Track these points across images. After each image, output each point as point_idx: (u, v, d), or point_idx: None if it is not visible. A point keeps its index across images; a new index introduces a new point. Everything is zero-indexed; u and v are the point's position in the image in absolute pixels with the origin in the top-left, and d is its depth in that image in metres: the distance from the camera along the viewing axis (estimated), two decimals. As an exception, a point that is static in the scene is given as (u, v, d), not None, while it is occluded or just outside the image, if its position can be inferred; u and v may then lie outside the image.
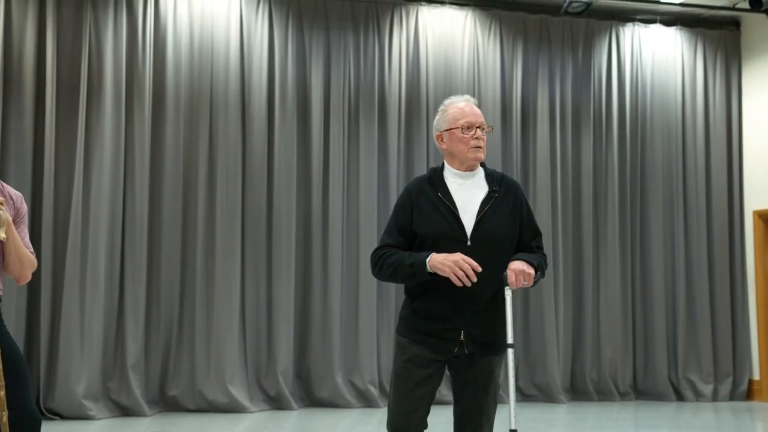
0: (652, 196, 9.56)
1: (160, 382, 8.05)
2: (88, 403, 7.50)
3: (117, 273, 7.86)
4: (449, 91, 9.05)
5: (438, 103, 9.38)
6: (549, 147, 9.29)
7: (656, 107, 9.71)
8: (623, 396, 9.23)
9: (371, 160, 8.79)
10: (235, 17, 8.50)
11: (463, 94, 9.16)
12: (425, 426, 3.32)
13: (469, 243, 3.18)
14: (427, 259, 3.11)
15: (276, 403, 8.25)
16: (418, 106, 9.01)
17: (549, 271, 8.97)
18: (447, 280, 3.11)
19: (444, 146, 3.39)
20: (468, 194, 3.29)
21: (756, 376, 9.50)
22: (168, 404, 8.04)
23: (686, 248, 9.58)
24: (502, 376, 3.44)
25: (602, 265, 9.36)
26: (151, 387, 7.98)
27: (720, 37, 9.98)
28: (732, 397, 9.44)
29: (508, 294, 3.18)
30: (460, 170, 3.34)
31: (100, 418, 7.52)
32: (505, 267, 3.19)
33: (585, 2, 8.57)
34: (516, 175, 9.17)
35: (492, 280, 3.18)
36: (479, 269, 3.07)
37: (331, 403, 8.36)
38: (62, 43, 7.92)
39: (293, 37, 8.70)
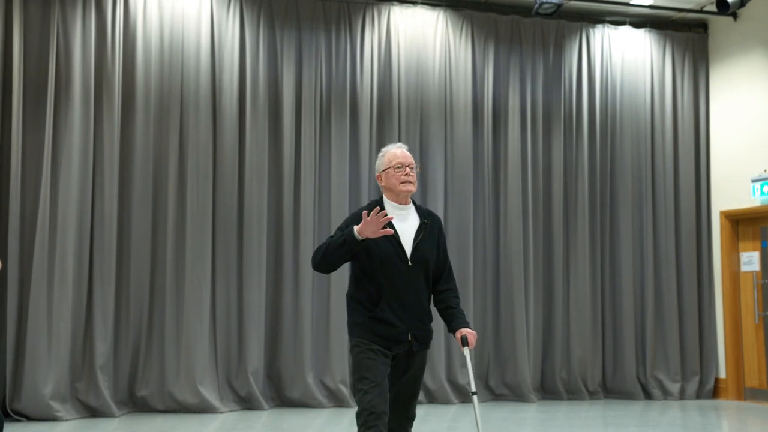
0: (622, 196, 9.65)
1: (129, 383, 7.98)
2: (55, 404, 7.42)
3: (85, 273, 7.78)
4: (421, 91, 9.08)
5: (410, 103, 9.49)
6: (520, 148, 9.34)
7: (626, 108, 9.80)
8: (592, 395, 9.31)
9: (343, 160, 8.78)
10: (206, 16, 8.45)
11: (434, 93, 9.32)
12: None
13: (410, 263, 3.93)
14: (356, 232, 3.78)
15: (246, 403, 8.22)
16: (389, 106, 9.01)
17: (520, 272, 9.09)
18: (393, 291, 3.86)
19: (383, 183, 4.11)
20: (405, 223, 4.00)
21: (722, 375, 9.62)
22: (137, 405, 7.98)
23: (654, 248, 9.69)
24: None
25: (572, 266, 9.42)
26: (120, 388, 7.92)
27: (688, 40, 10.09)
28: (699, 395, 9.56)
29: (467, 353, 3.96)
30: (397, 203, 4.04)
31: (67, 420, 7.45)
32: (430, 282, 4.01)
33: (555, 3, 8.62)
34: (487, 176, 9.22)
35: (425, 291, 4.00)
36: (385, 215, 3.73)
37: (302, 403, 8.35)
38: (29, 41, 7.82)
39: (264, 37, 8.67)
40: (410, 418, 4.03)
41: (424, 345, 3.98)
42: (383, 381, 3.81)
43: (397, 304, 3.88)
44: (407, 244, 3.93)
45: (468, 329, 4.00)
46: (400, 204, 4.04)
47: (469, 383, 4.02)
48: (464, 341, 3.96)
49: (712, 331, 9.72)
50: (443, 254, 4.11)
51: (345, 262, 3.94)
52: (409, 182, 4.00)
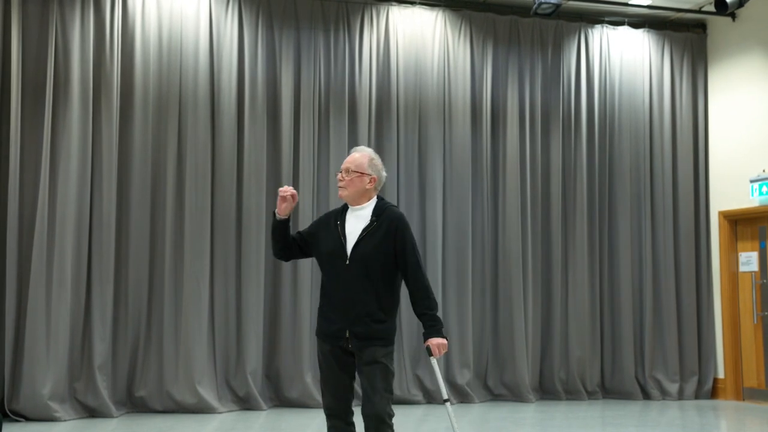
0: (620, 197, 9.66)
1: (127, 383, 7.98)
2: (54, 405, 7.41)
3: (84, 273, 7.78)
4: (419, 91, 9.08)
5: (408, 103, 9.48)
6: (518, 148, 9.34)
7: (624, 109, 9.80)
8: (591, 395, 9.31)
9: (341, 161, 8.68)
10: (204, 16, 8.44)
11: (433, 94, 9.30)
12: (351, 409, 4.06)
13: (348, 261, 3.98)
14: (276, 213, 4.10)
15: (245, 403, 8.22)
16: (388, 106, 9.00)
17: (518, 272, 9.07)
18: (333, 289, 4.00)
19: None
20: (357, 224, 4.07)
21: (720, 375, 9.63)
22: (135, 405, 7.98)
23: (653, 248, 9.69)
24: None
25: (571, 266, 9.42)
26: (119, 388, 7.91)
27: (686, 40, 10.09)
28: (697, 395, 9.56)
29: (434, 362, 4.06)
30: (351, 205, 4.14)
31: (66, 420, 7.44)
32: (380, 280, 3.97)
33: (554, 3, 8.62)
34: (486, 176, 9.21)
35: (369, 289, 3.96)
36: (287, 190, 4.05)
37: (301, 403, 8.35)
38: (28, 41, 7.81)
39: (263, 37, 8.67)
40: (377, 414, 3.86)
41: (365, 342, 3.93)
42: (335, 380, 4.03)
43: (337, 301, 4.00)
44: (350, 242, 4.01)
45: (436, 338, 3.97)
46: (355, 206, 4.12)
47: (451, 390, 4.08)
48: (429, 351, 4.01)
49: (710, 331, 9.72)
50: (401, 251, 4.02)
51: (282, 244, 4.16)
52: (340, 187, 4.17)
